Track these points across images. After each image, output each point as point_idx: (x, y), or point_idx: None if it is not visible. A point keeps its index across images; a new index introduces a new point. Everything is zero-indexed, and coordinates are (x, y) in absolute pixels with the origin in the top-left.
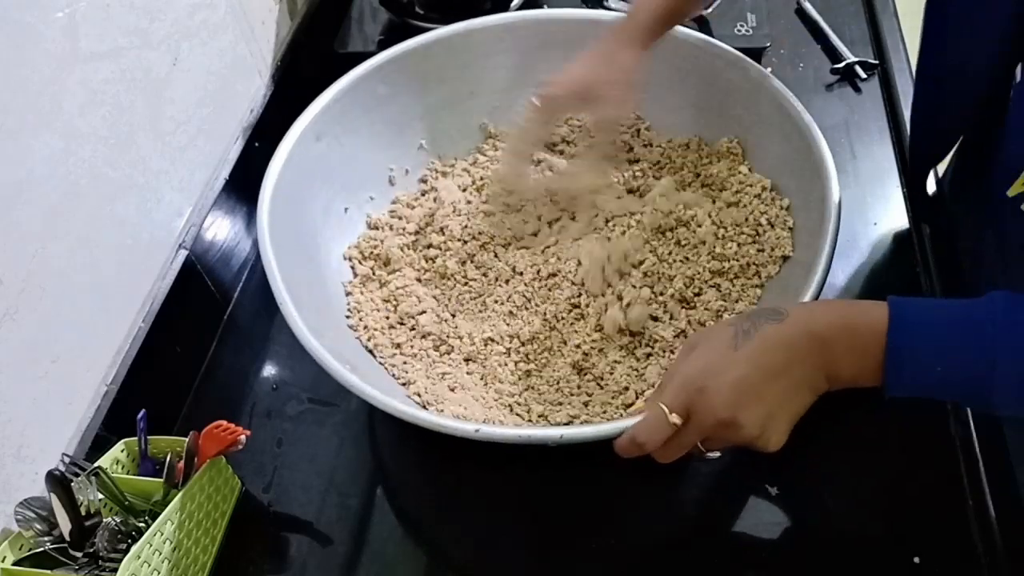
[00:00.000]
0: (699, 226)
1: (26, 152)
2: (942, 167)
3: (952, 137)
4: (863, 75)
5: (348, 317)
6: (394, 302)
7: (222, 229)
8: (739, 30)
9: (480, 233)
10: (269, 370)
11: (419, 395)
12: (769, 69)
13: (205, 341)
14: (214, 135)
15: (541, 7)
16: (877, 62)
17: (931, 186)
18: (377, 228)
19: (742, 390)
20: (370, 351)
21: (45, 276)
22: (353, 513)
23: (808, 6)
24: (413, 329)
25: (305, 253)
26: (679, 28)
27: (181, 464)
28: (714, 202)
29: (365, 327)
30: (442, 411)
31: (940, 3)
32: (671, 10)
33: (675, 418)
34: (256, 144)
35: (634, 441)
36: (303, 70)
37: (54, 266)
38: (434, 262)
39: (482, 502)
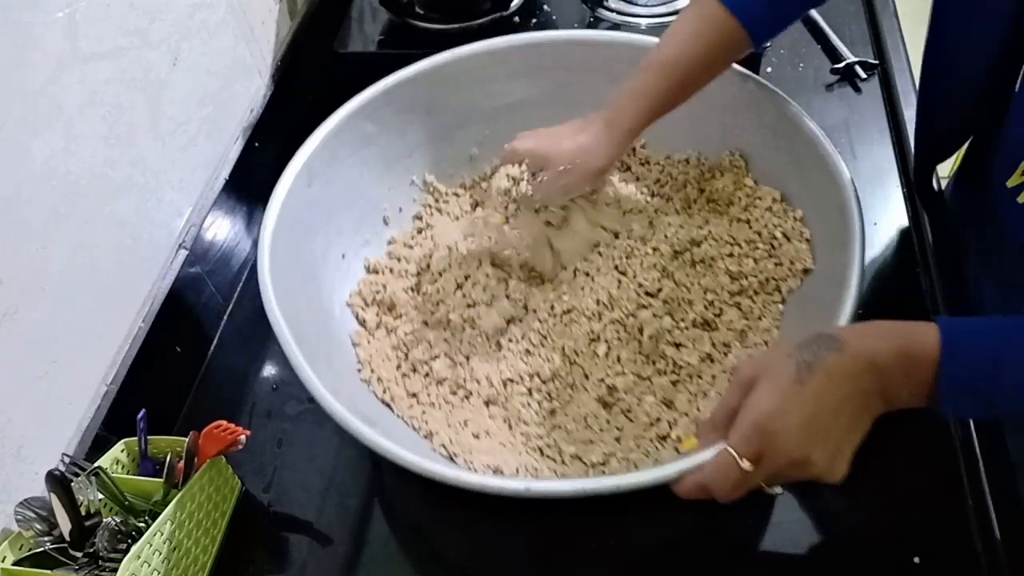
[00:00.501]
0: (713, 244)
1: (26, 152)
2: (944, 166)
3: (956, 136)
4: (863, 75)
5: (359, 370)
6: (404, 349)
7: (222, 229)
8: None
9: (480, 280)
10: (269, 370)
11: (444, 447)
12: (769, 69)
13: (205, 341)
14: (214, 135)
15: (541, 8)
16: (877, 62)
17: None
18: (377, 272)
19: (813, 430)
20: (387, 404)
21: (45, 276)
22: (353, 513)
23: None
24: (428, 376)
25: (310, 307)
26: None
27: (181, 464)
28: (723, 217)
29: (379, 379)
30: (471, 461)
31: (944, 2)
32: (657, 110)
33: (746, 464)
34: (256, 144)
35: (703, 488)
36: (303, 70)
37: (54, 266)
38: (438, 306)
39: (481, 501)
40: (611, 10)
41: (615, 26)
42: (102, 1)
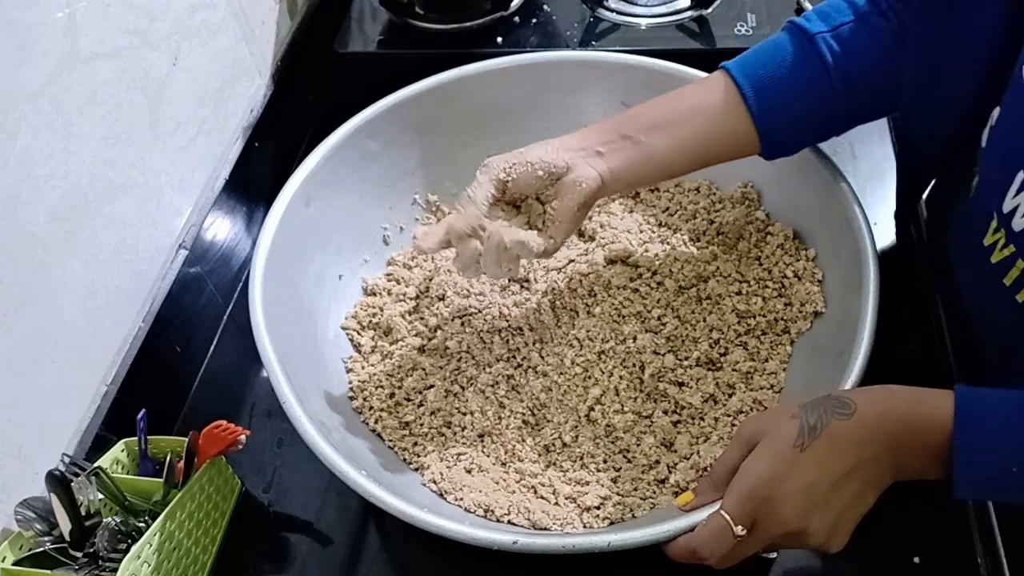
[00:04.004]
0: (721, 280)
1: (26, 152)
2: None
3: (933, 168)
4: None
5: (352, 399)
6: (399, 376)
7: (222, 229)
8: (739, 30)
9: (485, 308)
10: None
11: (435, 482)
12: None
13: (205, 341)
14: (214, 135)
15: (541, 8)
16: None
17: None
18: (374, 294)
19: (811, 498)
20: (378, 435)
21: (45, 276)
22: (353, 513)
23: (808, 6)
24: (421, 406)
25: (303, 333)
26: (680, 67)
27: (181, 464)
28: (732, 252)
29: (370, 408)
30: (462, 499)
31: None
32: (650, 180)
33: (740, 530)
34: (256, 144)
35: (695, 554)
36: (303, 70)
37: (54, 266)
38: (436, 332)
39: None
40: (611, 10)
41: (615, 26)
42: (102, 1)
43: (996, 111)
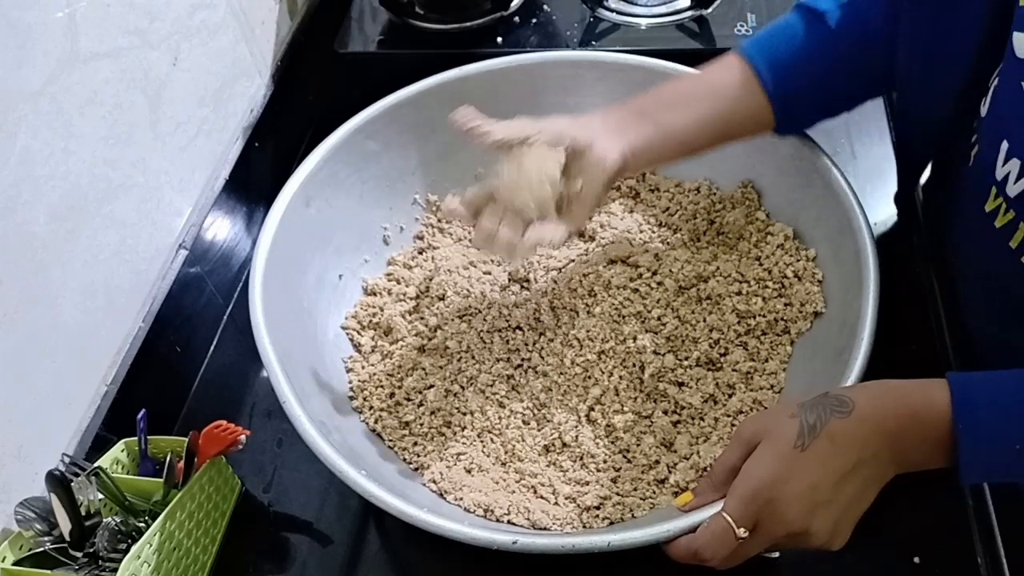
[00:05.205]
0: (721, 280)
1: (26, 152)
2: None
3: (931, 142)
4: None
5: (352, 399)
6: (399, 376)
7: (222, 229)
8: (739, 30)
9: (485, 308)
10: None
11: (435, 482)
12: None
13: (205, 341)
14: (214, 135)
15: (541, 8)
16: None
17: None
18: (375, 294)
19: (813, 499)
20: (378, 434)
21: (45, 276)
22: (353, 513)
23: None
24: (421, 405)
25: (303, 334)
26: (680, 67)
27: (181, 464)
28: (732, 252)
29: (370, 408)
30: (462, 499)
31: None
32: (669, 157)
33: (743, 532)
34: (256, 144)
35: (697, 555)
36: (303, 70)
37: (54, 266)
38: (437, 332)
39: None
40: (611, 10)
41: (615, 26)
42: (102, 1)
43: (996, 80)
